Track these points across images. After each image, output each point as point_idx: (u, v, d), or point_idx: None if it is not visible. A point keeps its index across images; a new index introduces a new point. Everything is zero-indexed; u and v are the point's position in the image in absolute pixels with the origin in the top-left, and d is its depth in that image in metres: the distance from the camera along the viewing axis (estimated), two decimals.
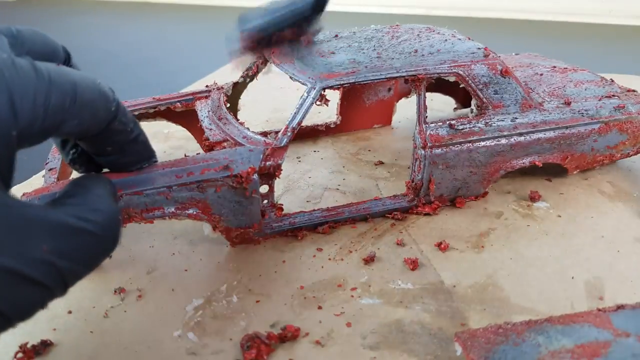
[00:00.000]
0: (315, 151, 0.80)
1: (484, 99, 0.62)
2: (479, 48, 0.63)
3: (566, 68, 0.79)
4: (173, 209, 0.52)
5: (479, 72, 0.61)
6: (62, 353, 0.46)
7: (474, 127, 0.61)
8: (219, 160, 0.52)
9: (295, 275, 0.54)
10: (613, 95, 0.69)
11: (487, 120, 0.62)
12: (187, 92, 0.70)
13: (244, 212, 0.55)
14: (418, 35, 0.66)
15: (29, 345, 0.46)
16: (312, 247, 0.58)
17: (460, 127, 0.61)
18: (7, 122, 0.31)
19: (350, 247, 0.58)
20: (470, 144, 0.61)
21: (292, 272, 0.55)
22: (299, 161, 0.77)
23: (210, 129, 0.61)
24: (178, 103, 0.69)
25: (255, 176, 0.53)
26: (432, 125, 0.61)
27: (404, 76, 0.59)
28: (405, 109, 0.89)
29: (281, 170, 0.56)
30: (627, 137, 0.68)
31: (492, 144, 0.62)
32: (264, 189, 0.56)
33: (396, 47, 0.63)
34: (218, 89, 0.70)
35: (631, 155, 0.70)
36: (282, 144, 0.55)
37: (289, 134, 0.56)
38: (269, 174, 0.55)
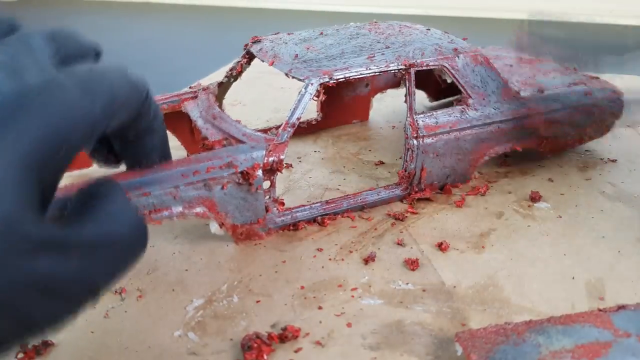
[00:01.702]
0: (315, 151, 0.80)
1: (468, 89, 0.65)
2: (458, 40, 0.68)
3: (532, 59, 0.82)
4: (181, 209, 0.52)
5: (463, 63, 0.64)
6: (63, 353, 0.46)
7: (461, 116, 0.65)
8: (224, 158, 0.53)
9: (295, 275, 0.54)
10: (580, 82, 0.73)
11: (472, 109, 0.65)
12: (171, 95, 0.70)
13: (249, 207, 0.56)
14: (399, 30, 0.70)
15: (30, 346, 0.46)
16: (312, 247, 0.58)
17: (448, 117, 0.64)
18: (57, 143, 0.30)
19: (351, 247, 0.58)
20: (458, 132, 0.64)
21: (292, 272, 0.55)
22: (300, 161, 0.77)
23: (207, 128, 0.61)
24: (164, 105, 0.68)
25: (260, 172, 0.54)
26: (422, 115, 0.63)
27: (395, 70, 0.61)
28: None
29: (283, 165, 0.57)
30: (594, 121, 0.72)
31: (478, 131, 0.65)
32: (266, 184, 0.57)
33: (382, 42, 0.66)
34: (204, 89, 0.70)
35: (597, 137, 0.75)
36: (283, 140, 0.57)
37: (289, 129, 0.57)
38: (272, 170, 0.56)
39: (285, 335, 0.46)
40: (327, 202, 0.63)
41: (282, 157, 0.56)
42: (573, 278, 0.53)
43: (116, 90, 0.35)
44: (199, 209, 0.53)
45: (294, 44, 0.67)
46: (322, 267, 0.55)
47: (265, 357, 0.44)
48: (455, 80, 0.64)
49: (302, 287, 0.53)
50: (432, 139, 0.63)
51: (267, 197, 0.57)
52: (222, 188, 0.53)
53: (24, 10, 1.98)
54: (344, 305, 0.50)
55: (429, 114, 0.64)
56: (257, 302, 0.51)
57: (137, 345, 0.46)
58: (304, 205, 0.62)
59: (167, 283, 0.54)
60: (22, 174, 0.27)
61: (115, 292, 0.52)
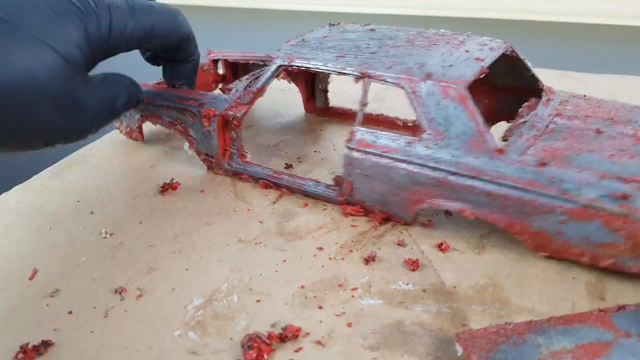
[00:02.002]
0: (316, 151, 0.80)
1: (425, 121, 0.56)
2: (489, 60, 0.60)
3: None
4: (168, 121, 0.73)
5: (428, 91, 0.56)
6: (63, 353, 0.46)
7: (404, 146, 0.57)
8: (199, 99, 0.70)
9: (295, 274, 0.54)
10: (621, 178, 0.49)
11: (423, 145, 0.56)
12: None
13: (207, 143, 0.71)
14: (432, 40, 0.66)
15: (29, 346, 0.46)
16: (312, 247, 0.58)
17: (389, 142, 0.58)
18: (104, 37, 0.51)
19: (351, 246, 0.58)
20: (391, 161, 0.58)
21: (292, 272, 0.55)
22: (300, 162, 0.77)
23: (240, 81, 0.77)
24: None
25: (215, 118, 0.68)
26: (365, 129, 0.60)
27: (351, 75, 0.61)
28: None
29: (240, 124, 0.68)
30: (622, 240, 0.49)
31: (417, 171, 0.56)
32: (234, 134, 0.69)
33: (390, 47, 0.65)
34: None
35: (633, 271, 0.51)
36: (245, 102, 0.68)
37: (251, 95, 0.68)
38: (230, 122, 0.68)
39: (286, 335, 0.46)
40: (274, 171, 0.69)
41: (238, 114, 0.67)
42: (573, 278, 0.53)
43: (156, 27, 0.58)
44: (177, 127, 0.72)
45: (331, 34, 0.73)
46: (323, 267, 0.55)
47: (265, 356, 0.44)
48: (412, 106, 0.57)
49: (303, 287, 0.53)
50: (361, 155, 0.59)
51: (233, 145, 0.70)
52: (190, 118, 0.70)
53: None
54: (345, 305, 0.50)
55: (372, 131, 0.59)
56: (257, 301, 0.51)
57: (137, 345, 0.46)
58: (257, 165, 0.71)
59: (167, 282, 0.54)
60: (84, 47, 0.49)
61: (115, 291, 0.52)
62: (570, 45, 1.41)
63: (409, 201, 0.59)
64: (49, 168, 0.77)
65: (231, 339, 0.47)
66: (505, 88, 0.70)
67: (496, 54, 0.62)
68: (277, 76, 0.68)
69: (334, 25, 0.77)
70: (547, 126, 0.58)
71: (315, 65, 0.63)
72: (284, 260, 0.56)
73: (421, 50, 0.63)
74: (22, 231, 0.63)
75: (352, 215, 0.63)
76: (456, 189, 0.55)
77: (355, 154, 0.59)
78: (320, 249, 0.58)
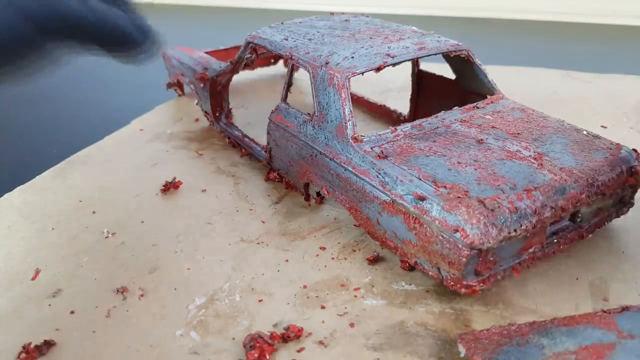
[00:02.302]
0: None
1: (316, 104, 0.61)
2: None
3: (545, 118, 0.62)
4: (188, 79, 0.88)
5: (322, 77, 0.60)
6: (65, 353, 0.46)
7: (300, 123, 0.63)
8: (205, 65, 0.83)
9: (298, 274, 0.54)
10: (436, 182, 0.50)
11: (311, 125, 0.62)
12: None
13: (205, 101, 0.83)
14: (376, 31, 0.70)
15: (32, 346, 0.46)
16: (315, 246, 0.58)
17: (293, 118, 0.65)
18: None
19: (354, 246, 0.58)
20: (290, 135, 0.64)
21: (295, 271, 0.55)
22: None
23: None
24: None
25: (208, 81, 0.80)
26: (285, 105, 0.67)
27: (281, 55, 0.68)
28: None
29: (224, 89, 0.80)
30: (415, 240, 0.50)
31: (302, 148, 0.63)
32: (221, 97, 0.82)
33: (323, 37, 0.68)
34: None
35: (431, 275, 0.50)
36: (228, 70, 0.79)
37: (231, 66, 0.78)
38: (218, 86, 0.80)
39: (288, 335, 0.46)
40: (242, 135, 0.78)
41: (223, 82, 0.80)
42: (577, 279, 0.53)
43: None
44: (191, 85, 0.87)
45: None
46: (325, 266, 0.55)
47: (267, 356, 0.44)
48: (311, 88, 0.62)
49: (305, 287, 0.52)
50: (275, 126, 0.67)
51: (223, 107, 0.82)
52: (196, 78, 0.83)
53: None
54: (347, 305, 0.50)
55: (287, 107, 0.66)
56: (260, 301, 0.51)
57: (139, 345, 0.46)
58: (235, 127, 0.81)
59: (169, 282, 0.54)
60: None
61: (117, 291, 0.52)
62: (572, 45, 1.40)
63: (298, 174, 0.65)
64: (51, 168, 0.77)
65: (233, 339, 0.47)
66: (473, 92, 0.71)
67: (420, 55, 0.63)
68: (250, 52, 0.76)
69: (333, 14, 0.81)
70: (435, 128, 0.59)
71: (265, 44, 0.71)
72: (287, 260, 0.56)
73: (352, 41, 0.66)
74: (25, 231, 0.63)
75: (270, 180, 0.71)
76: (320, 167, 0.60)
77: (272, 125, 0.67)
78: (323, 248, 0.58)
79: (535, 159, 0.53)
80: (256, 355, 0.44)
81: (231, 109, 0.83)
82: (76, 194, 0.70)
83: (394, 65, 0.62)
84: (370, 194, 0.54)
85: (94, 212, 0.66)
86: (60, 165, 0.78)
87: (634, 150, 0.56)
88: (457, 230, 0.45)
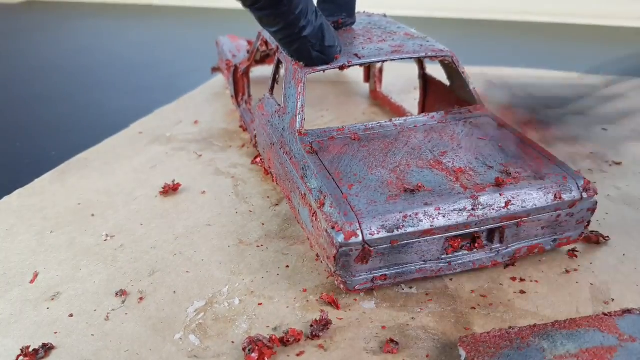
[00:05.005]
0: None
1: (283, 96, 0.64)
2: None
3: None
4: (224, 66, 1.00)
5: (290, 70, 0.63)
6: (64, 356, 0.46)
7: (272, 113, 0.67)
8: (236, 53, 0.95)
9: (297, 277, 0.54)
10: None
11: (279, 115, 0.65)
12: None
13: (231, 85, 0.92)
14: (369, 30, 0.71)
15: (30, 349, 0.45)
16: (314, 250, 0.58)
17: (270, 108, 0.68)
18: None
19: None
20: (266, 122, 0.67)
21: (294, 275, 0.54)
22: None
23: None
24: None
25: (232, 68, 0.90)
26: (268, 95, 0.70)
27: (272, 48, 0.73)
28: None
29: (244, 76, 0.87)
30: (315, 233, 0.53)
31: (269, 134, 0.66)
32: (242, 82, 0.89)
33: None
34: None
35: (326, 271, 0.55)
36: (247, 59, 0.87)
37: (249, 55, 0.87)
38: (237, 73, 0.89)
39: (287, 339, 0.46)
40: (251, 119, 0.83)
41: (243, 69, 0.87)
42: (577, 282, 0.52)
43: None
44: (225, 71, 0.99)
45: None
46: (325, 270, 0.55)
47: None
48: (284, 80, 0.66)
49: (305, 290, 0.52)
50: (259, 114, 0.71)
51: (244, 92, 0.89)
52: (225, 65, 0.97)
53: (25, 13, 1.98)
54: (347, 309, 0.50)
55: (270, 98, 0.69)
56: (259, 304, 0.51)
57: (138, 348, 0.46)
58: (248, 111, 0.86)
59: (168, 285, 0.53)
60: None
61: (116, 294, 0.52)
62: (572, 46, 1.40)
63: (267, 160, 0.69)
64: (50, 171, 0.76)
65: (232, 342, 0.46)
66: (460, 99, 0.71)
67: (392, 57, 0.63)
68: (261, 44, 0.80)
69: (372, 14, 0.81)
70: (386, 132, 0.61)
71: (265, 35, 0.77)
72: (287, 264, 0.56)
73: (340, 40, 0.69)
74: (24, 234, 0.62)
75: (256, 164, 0.76)
76: (274, 155, 0.64)
77: (257, 113, 0.71)
78: None
79: (455, 172, 0.53)
80: (255, 358, 0.44)
81: (251, 95, 0.89)
82: (75, 197, 0.70)
83: (360, 65, 0.64)
84: (295, 185, 0.57)
85: (92, 215, 0.66)
86: (59, 168, 0.78)
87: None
88: (334, 227, 0.47)
